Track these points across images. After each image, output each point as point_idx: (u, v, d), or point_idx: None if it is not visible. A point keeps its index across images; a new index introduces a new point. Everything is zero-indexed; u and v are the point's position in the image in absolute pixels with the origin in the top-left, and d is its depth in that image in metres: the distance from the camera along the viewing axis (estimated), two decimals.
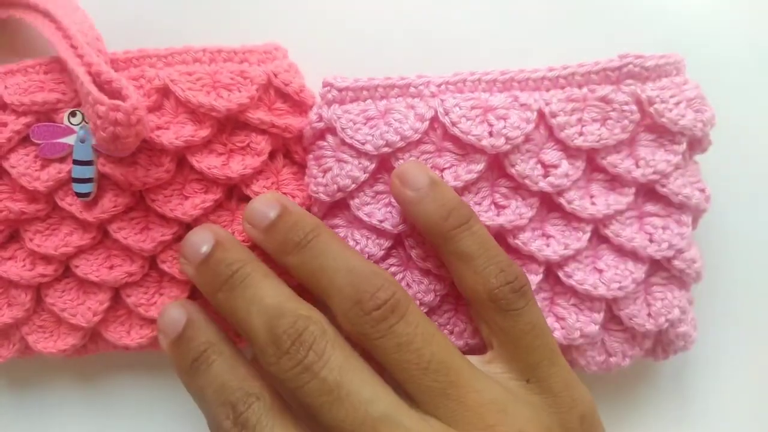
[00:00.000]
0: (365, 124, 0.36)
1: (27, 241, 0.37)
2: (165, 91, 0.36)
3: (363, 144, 0.35)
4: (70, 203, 0.36)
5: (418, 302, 0.36)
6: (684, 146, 0.36)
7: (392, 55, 0.40)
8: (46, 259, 0.37)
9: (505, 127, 0.35)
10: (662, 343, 0.38)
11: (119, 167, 0.36)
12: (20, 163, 0.36)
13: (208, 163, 0.36)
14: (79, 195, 0.36)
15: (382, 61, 0.39)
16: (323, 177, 0.37)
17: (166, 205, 0.36)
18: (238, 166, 0.36)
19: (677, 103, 0.35)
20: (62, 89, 0.36)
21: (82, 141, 0.35)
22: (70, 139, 0.36)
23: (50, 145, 0.36)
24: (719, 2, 0.42)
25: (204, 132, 0.35)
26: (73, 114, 0.36)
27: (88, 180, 0.35)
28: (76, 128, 0.35)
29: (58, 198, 0.36)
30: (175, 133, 0.35)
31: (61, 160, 0.36)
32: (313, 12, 0.41)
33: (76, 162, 0.35)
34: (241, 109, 0.35)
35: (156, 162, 0.36)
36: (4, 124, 0.36)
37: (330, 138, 0.37)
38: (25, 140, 0.36)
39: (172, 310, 0.34)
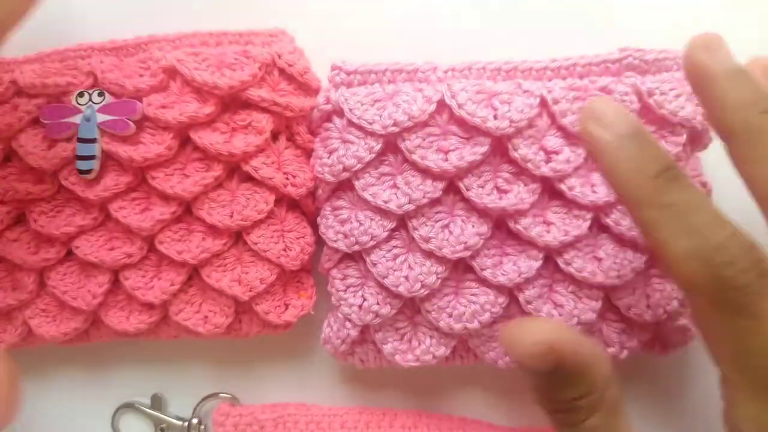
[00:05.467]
0: (373, 105, 0.36)
1: (31, 222, 0.37)
2: (171, 72, 0.36)
3: (371, 123, 0.35)
4: (73, 182, 0.36)
5: (419, 284, 0.35)
6: (684, 138, 0.36)
7: (397, 50, 0.40)
8: (49, 241, 0.37)
9: (509, 111, 0.35)
10: (661, 337, 0.37)
11: (123, 145, 0.36)
12: (28, 143, 0.36)
13: (210, 139, 0.35)
14: (81, 172, 0.36)
15: (387, 55, 0.39)
16: (329, 158, 0.36)
17: (166, 182, 0.36)
18: (240, 143, 0.36)
19: (677, 96, 0.35)
20: (74, 74, 0.37)
21: (88, 120, 0.36)
22: (76, 119, 0.36)
23: (57, 125, 0.36)
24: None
25: (208, 109, 0.35)
26: (80, 95, 0.36)
27: (91, 157, 0.36)
28: (82, 107, 0.36)
29: (63, 177, 0.36)
30: (179, 109, 0.35)
31: (68, 140, 0.36)
32: (322, 4, 0.41)
33: (80, 140, 0.36)
34: (243, 86, 0.35)
35: (158, 140, 0.36)
36: (16, 106, 0.37)
37: (337, 120, 0.37)
38: (35, 122, 0.37)
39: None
